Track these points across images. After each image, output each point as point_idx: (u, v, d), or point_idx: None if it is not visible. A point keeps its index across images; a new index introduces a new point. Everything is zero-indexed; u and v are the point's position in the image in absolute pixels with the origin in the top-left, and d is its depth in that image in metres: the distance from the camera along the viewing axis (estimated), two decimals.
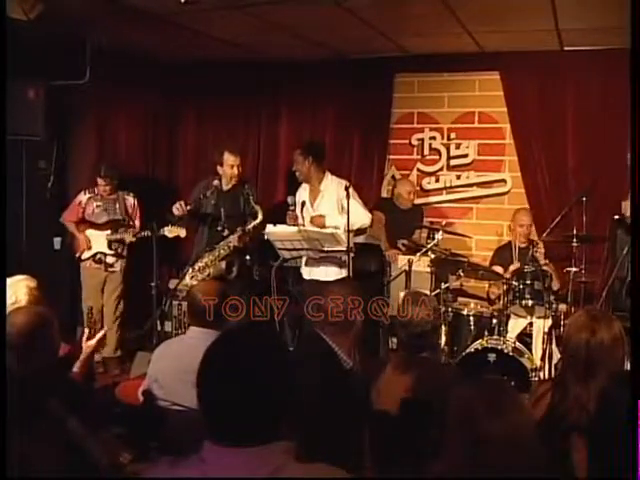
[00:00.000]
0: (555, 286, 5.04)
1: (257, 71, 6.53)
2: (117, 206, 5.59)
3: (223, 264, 5.22)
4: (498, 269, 5.28)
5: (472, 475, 1.72)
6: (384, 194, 6.47)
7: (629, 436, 1.91)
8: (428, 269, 5.33)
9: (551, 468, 1.85)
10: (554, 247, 5.50)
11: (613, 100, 5.39)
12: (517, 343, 4.76)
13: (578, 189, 5.48)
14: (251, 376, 1.37)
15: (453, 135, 6.32)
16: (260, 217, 5.09)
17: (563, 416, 2.29)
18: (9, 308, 2.81)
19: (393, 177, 6.52)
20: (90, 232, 5.53)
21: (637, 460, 1.88)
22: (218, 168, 5.31)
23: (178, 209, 5.14)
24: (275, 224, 4.95)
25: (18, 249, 5.29)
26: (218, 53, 6.09)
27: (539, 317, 4.83)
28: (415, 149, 6.46)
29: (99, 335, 3.17)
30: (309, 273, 5.20)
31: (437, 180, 6.42)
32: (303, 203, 5.15)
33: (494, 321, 4.97)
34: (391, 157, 6.53)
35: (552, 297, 4.79)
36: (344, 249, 4.76)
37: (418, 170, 6.46)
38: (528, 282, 4.75)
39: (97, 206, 5.54)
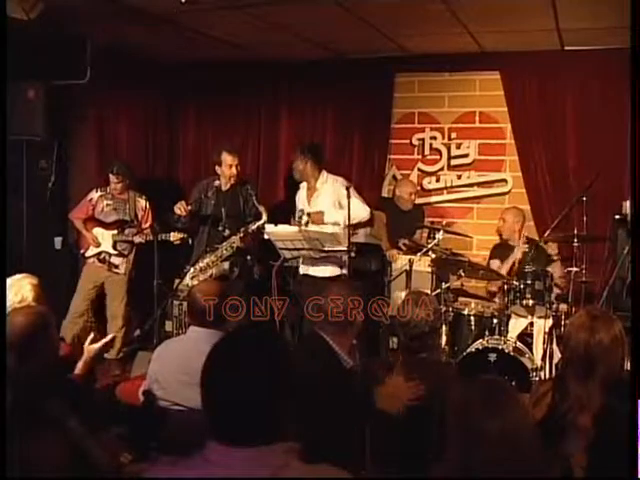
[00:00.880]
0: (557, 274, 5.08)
1: (257, 71, 6.53)
2: (127, 207, 5.58)
3: (226, 264, 5.22)
4: (494, 264, 5.29)
5: (472, 475, 1.72)
6: (384, 194, 6.47)
7: (629, 436, 1.91)
8: (429, 269, 5.33)
9: (551, 468, 1.85)
10: (558, 247, 5.50)
11: (613, 99, 5.39)
12: (518, 343, 4.76)
13: (579, 189, 5.47)
14: (254, 376, 1.38)
15: (454, 135, 6.31)
16: (264, 217, 5.07)
17: (563, 415, 2.29)
18: (16, 306, 2.82)
19: (394, 177, 6.51)
20: (97, 230, 5.51)
21: (637, 460, 1.88)
22: (217, 168, 5.32)
23: (180, 209, 5.14)
24: (276, 224, 4.96)
25: (19, 249, 5.29)
26: (218, 53, 6.09)
27: (540, 317, 4.82)
28: (416, 149, 6.46)
29: (105, 340, 3.14)
30: (308, 272, 5.20)
31: (438, 180, 6.41)
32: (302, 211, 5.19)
33: (495, 321, 4.96)
34: (392, 157, 6.53)
35: (553, 296, 4.79)
36: (344, 249, 4.77)
37: (419, 170, 6.45)
38: (529, 282, 4.75)
39: (107, 205, 5.53)
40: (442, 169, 6.38)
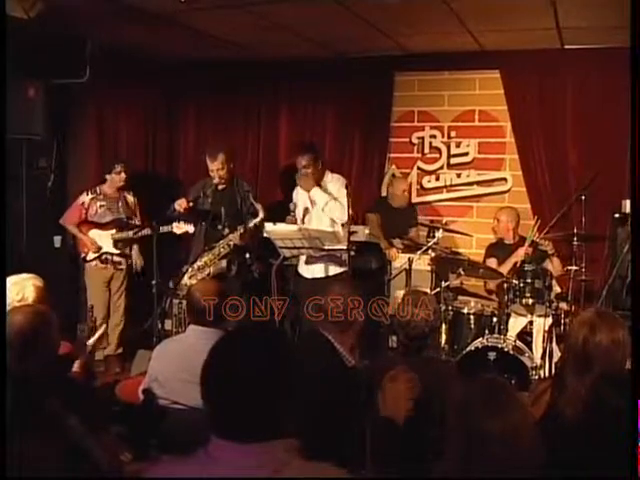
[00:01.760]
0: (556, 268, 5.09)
1: (257, 70, 6.53)
2: (119, 205, 5.58)
3: (223, 262, 5.22)
4: (491, 263, 5.31)
5: (472, 475, 1.72)
6: (384, 193, 6.47)
7: (628, 434, 1.91)
8: (428, 267, 5.33)
9: (550, 466, 1.85)
10: (554, 245, 5.48)
11: (613, 98, 5.38)
12: (517, 341, 4.76)
13: (579, 187, 5.49)
14: (255, 374, 1.38)
15: (453, 133, 6.32)
16: (261, 215, 5.08)
17: (561, 411, 2.29)
18: (15, 305, 2.82)
19: (393, 175, 6.52)
20: (94, 232, 5.49)
21: (637, 459, 1.88)
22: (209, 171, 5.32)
23: (180, 205, 5.15)
24: (274, 223, 4.95)
25: (18, 248, 5.29)
26: (218, 52, 6.09)
27: (539, 315, 4.82)
28: (415, 147, 6.46)
29: (98, 334, 3.17)
30: (308, 271, 5.19)
31: (437, 178, 6.41)
32: (306, 209, 5.13)
33: (494, 319, 4.97)
34: (391, 155, 6.53)
35: (553, 295, 4.80)
36: (344, 247, 4.76)
37: (418, 168, 6.46)
38: (528, 280, 4.75)
39: (101, 206, 5.51)
40: (442, 168, 6.39)
